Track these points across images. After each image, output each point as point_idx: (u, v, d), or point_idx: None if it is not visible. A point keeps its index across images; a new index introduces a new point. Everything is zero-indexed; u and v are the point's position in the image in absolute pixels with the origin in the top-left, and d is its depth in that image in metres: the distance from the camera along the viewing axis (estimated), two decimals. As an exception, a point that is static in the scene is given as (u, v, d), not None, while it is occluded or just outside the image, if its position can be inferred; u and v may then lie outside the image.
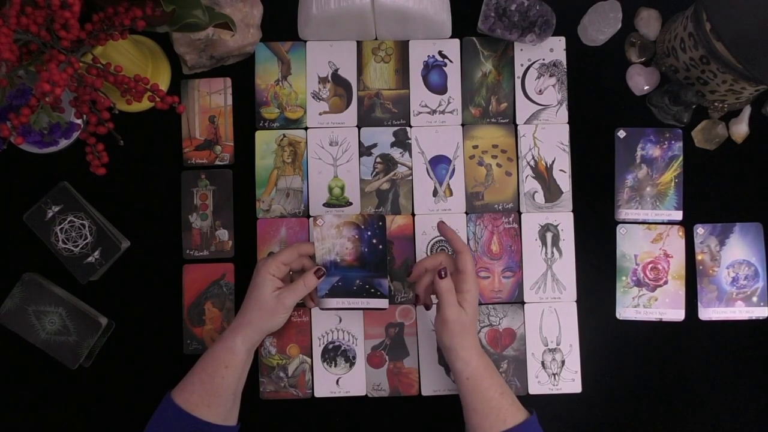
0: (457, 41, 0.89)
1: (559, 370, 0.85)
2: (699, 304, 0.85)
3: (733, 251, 0.86)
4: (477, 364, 0.73)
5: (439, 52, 0.89)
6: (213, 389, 0.72)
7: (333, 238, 0.78)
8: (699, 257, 0.86)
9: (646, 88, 0.88)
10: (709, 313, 0.85)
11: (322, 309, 0.79)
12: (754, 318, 0.86)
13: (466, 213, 0.87)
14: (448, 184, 0.87)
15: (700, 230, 0.85)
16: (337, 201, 0.87)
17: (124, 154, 0.78)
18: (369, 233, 0.78)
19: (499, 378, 0.75)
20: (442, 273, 0.73)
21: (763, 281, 0.85)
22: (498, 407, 0.72)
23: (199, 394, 0.72)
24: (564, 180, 0.87)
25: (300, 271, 0.78)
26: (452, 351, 0.73)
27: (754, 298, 0.85)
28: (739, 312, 0.85)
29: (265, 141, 0.87)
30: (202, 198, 0.86)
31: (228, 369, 0.73)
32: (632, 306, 0.86)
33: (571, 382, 0.85)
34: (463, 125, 0.88)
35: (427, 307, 0.80)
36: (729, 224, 0.86)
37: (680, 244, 0.86)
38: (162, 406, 0.73)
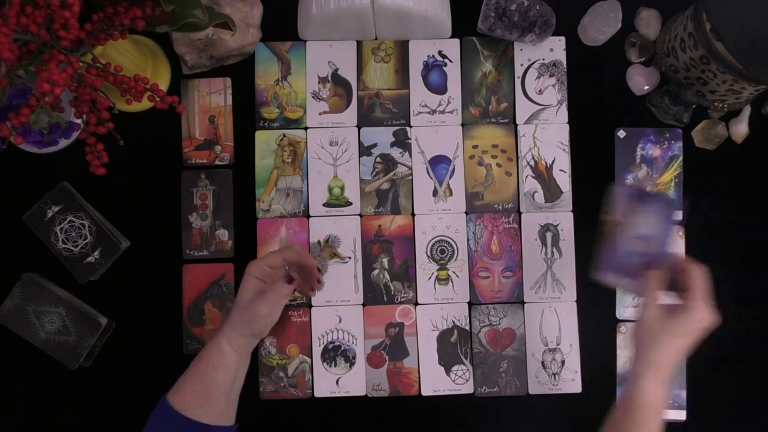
0: (457, 41, 0.89)
1: (559, 370, 0.85)
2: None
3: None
4: (652, 399, 0.64)
5: (439, 52, 0.89)
6: (203, 389, 0.72)
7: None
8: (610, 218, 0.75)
9: (646, 88, 0.88)
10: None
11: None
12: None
13: (466, 213, 0.87)
14: (448, 184, 0.87)
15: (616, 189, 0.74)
16: (337, 201, 0.87)
17: (124, 154, 0.78)
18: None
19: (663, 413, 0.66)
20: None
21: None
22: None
23: (191, 394, 0.72)
24: (564, 180, 0.87)
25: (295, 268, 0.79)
26: (635, 358, 0.66)
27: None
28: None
29: (265, 141, 0.87)
30: (202, 198, 0.86)
31: (217, 369, 0.73)
32: (632, 306, 0.85)
33: (571, 382, 0.85)
34: (463, 125, 0.88)
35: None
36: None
37: (680, 244, 0.86)
38: (158, 407, 0.73)
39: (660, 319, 0.66)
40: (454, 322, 0.85)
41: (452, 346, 0.85)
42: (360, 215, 0.87)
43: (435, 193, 0.87)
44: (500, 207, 0.87)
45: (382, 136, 0.88)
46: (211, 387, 0.72)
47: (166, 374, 0.79)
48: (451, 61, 0.89)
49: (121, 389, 0.85)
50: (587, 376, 0.85)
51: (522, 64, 0.89)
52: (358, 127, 0.88)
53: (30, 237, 0.83)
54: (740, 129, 0.87)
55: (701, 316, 0.65)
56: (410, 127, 0.88)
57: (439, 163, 0.87)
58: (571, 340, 0.85)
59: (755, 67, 0.74)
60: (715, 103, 0.87)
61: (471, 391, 0.85)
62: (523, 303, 0.86)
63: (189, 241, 0.86)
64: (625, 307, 0.86)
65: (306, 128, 0.88)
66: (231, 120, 0.88)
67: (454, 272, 0.86)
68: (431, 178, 0.87)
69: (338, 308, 0.86)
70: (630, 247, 0.69)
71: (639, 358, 0.66)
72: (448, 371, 0.85)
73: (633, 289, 0.71)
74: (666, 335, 0.65)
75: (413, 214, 0.87)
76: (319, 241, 0.86)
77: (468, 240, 0.87)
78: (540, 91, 0.89)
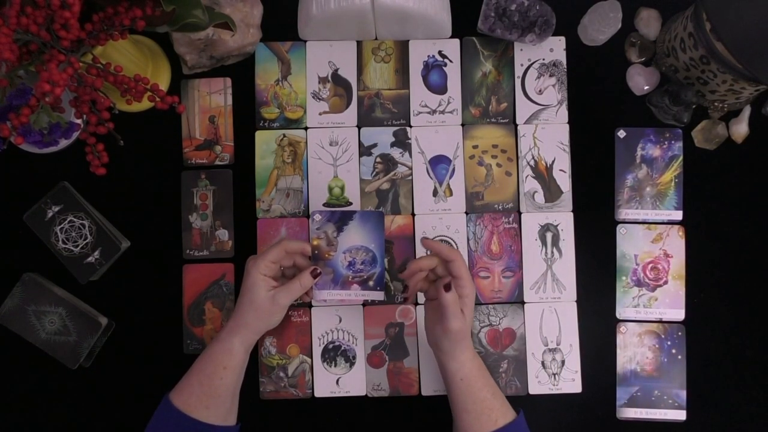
0: (457, 41, 0.89)
1: (559, 370, 0.85)
2: None
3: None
4: (471, 365, 0.74)
5: (439, 52, 0.89)
6: (212, 391, 0.72)
7: (634, 347, 0.84)
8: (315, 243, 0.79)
9: (646, 88, 0.88)
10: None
11: (620, 418, 0.84)
12: None
13: (466, 213, 0.87)
14: (448, 184, 0.87)
15: (317, 217, 0.79)
16: (337, 201, 0.87)
17: (124, 154, 0.78)
18: (669, 343, 0.83)
19: (490, 378, 0.75)
20: (448, 287, 0.72)
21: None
22: (490, 407, 0.73)
23: (198, 395, 0.72)
24: (564, 180, 0.87)
25: (291, 267, 0.79)
26: (449, 354, 0.74)
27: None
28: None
29: (265, 141, 0.87)
30: (202, 198, 0.86)
31: (227, 370, 0.73)
32: (632, 306, 0.86)
33: (571, 382, 0.85)
34: (463, 125, 0.88)
35: (408, 300, 0.85)
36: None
37: (680, 244, 0.86)
38: (160, 408, 0.73)
39: (463, 320, 0.73)
40: (454, 322, 0.85)
41: (452, 346, 0.85)
42: (360, 215, 0.87)
43: (435, 193, 0.87)
44: (500, 207, 0.87)
45: (382, 136, 0.88)
46: (219, 388, 0.73)
47: (166, 374, 0.79)
48: (451, 61, 0.89)
49: (121, 389, 0.85)
50: (587, 376, 0.85)
51: (522, 64, 0.89)
52: (358, 127, 0.88)
53: (30, 237, 0.83)
54: (740, 129, 0.87)
55: (474, 295, 0.75)
56: (410, 127, 0.88)
57: (439, 163, 0.87)
58: (571, 340, 0.85)
59: (755, 67, 0.74)
60: (715, 103, 0.87)
61: (471, 391, 0.85)
62: (523, 303, 0.86)
63: (189, 241, 0.86)
64: (625, 307, 0.86)
65: (306, 128, 0.88)
66: (231, 120, 0.88)
67: (454, 272, 0.86)
68: (431, 178, 0.87)
69: (338, 308, 0.86)
70: (342, 262, 0.78)
71: (461, 351, 0.74)
72: (448, 371, 0.85)
73: (354, 298, 0.79)
74: (468, 323, 0.74)
75: (413, 214, 0.87)
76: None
77: (468, 240, 0.87)
78: (540, 91, 0.89)
